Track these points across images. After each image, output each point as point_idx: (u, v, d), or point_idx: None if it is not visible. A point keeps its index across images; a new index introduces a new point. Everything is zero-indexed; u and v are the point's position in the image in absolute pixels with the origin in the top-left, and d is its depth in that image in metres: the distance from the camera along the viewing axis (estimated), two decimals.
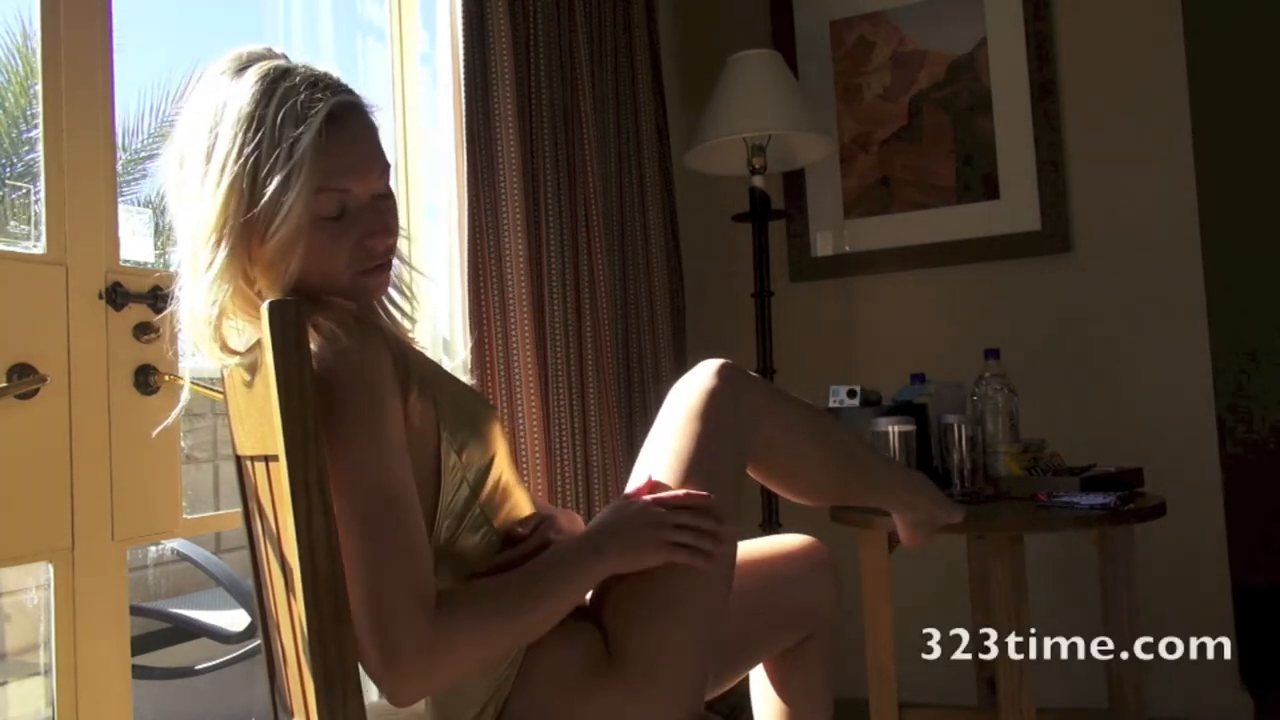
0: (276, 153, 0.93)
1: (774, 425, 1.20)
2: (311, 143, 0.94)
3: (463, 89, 1.82)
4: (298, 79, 0.97)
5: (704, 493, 1.08)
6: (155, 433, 1.28)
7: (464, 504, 1.02)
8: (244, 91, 0.96)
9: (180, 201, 0.99)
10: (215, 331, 0.97)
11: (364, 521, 0.89)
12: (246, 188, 0.94)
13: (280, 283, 0.97)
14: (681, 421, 1.14)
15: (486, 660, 0.97)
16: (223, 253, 0.95)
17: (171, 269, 1.05)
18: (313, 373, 0.87)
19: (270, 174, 0.93)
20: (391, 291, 1.14)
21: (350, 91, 1.02)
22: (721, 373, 1.17)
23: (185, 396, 1.12)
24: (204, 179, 0.95)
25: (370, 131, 1.02)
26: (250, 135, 0.94)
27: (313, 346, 0.89)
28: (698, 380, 1.17)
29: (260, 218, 0.94)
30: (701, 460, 1.12)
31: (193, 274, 0.98)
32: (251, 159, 0.93)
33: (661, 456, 1.14)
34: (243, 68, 0.98)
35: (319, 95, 0.97)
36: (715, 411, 1.14)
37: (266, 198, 0.93)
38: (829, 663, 1.36)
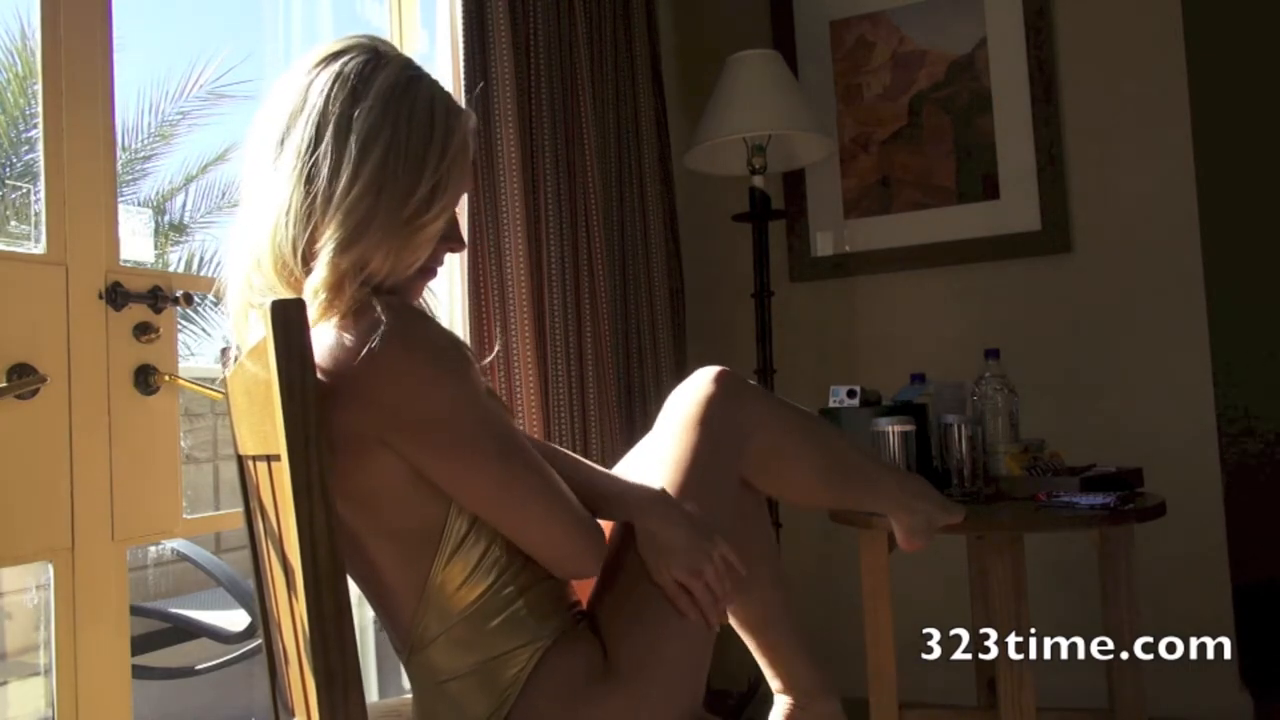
0: (434, 142, 0.98)
1: (771, 433, 1.20)
2: (465, 142, 1.01)
3: (462, 89, 1.82)
4: (428, 75, 1.03)
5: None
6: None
7: None
8: (394, 74, 0.99)
9: (294, 152, 0.96)
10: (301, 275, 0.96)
11: (519, 468, 0.97)
12: (404, 165, 0.96)
13: (406, 266, 1.00)
14: (679, 429, 1.14)
15: None
16: (380, 220, 0.95)
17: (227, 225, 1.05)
18: (355, 354, 0.89)
19: (425, 159, 0.96)
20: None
21: None
22: (719, 380, 1.17)
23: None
24: (358, 146, 0.95)
25: None
26: (405, 118, 0.97)
27: (383, 316, 0.90)
28: (695, 388, 1.17)
29: (416, 202, 0.96)
30: (698, 469, 1.12)
31: (322, 221, 0.95)
32: (407, 142, 0.96)
33: (658, 464, 1.14)
34: (381, 53, 1.02)
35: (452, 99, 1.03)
36: (712, 420, 1.14)
37: (429, 181, 0.97)
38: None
